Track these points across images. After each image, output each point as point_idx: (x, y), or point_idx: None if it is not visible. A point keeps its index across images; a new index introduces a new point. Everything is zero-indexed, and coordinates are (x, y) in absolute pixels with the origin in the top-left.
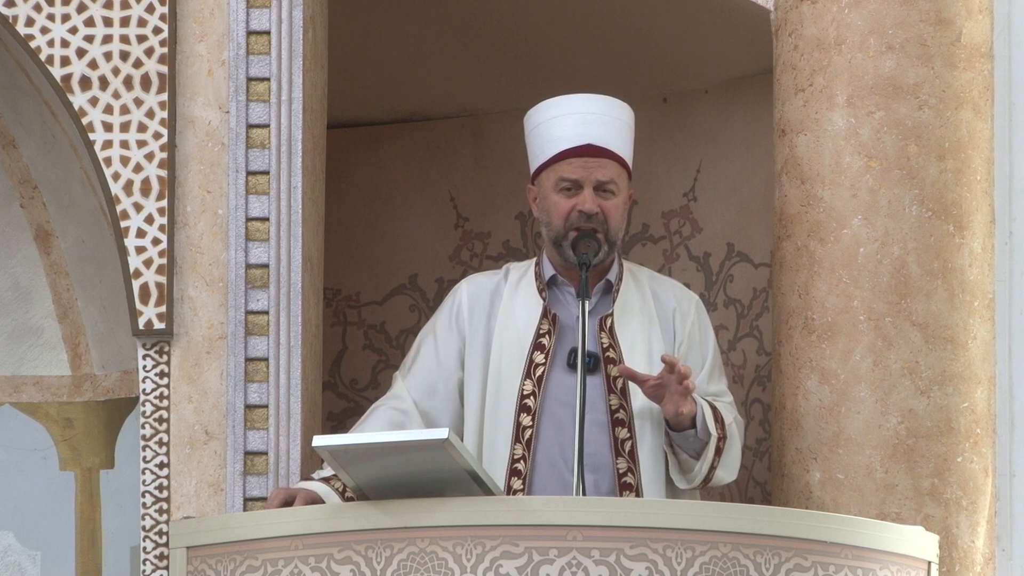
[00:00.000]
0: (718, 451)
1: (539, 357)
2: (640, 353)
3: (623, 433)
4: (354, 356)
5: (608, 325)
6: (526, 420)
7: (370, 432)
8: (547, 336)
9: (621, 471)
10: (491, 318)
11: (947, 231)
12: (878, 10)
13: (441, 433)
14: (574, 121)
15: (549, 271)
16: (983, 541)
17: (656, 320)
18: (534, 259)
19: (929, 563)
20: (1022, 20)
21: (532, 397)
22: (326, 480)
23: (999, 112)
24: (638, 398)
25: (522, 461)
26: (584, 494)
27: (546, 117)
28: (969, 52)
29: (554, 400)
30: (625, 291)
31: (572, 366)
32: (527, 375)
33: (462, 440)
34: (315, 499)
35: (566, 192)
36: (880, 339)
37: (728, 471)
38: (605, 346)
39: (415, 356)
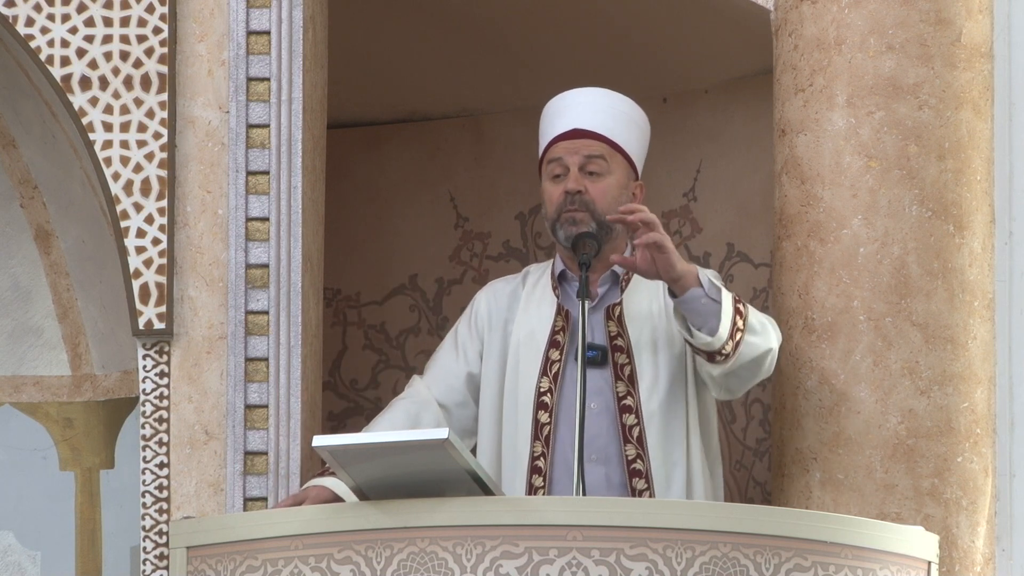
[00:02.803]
0: (739, 313)
1: (555, 354)
2: (647, 338)
3: (631, 420)
4: (354, 356)
5: (616, 314)
6: (544, 417)
7: (372, 432)
8: (561, 333)
9: (630, 458)
10: (508, 322)
11: (947, 231)
12: (878, 10)
13: (441, 433)
14: (562, 113)
15: (559, 266)
16: (983, 541)
17: (667, 307)
18: (551, 260)
19: (929, 563)
20: (1022, 20)
21: (549, 394)
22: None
23: (999, 112)
24: (644, 382)
25: (542, 458)
26: (584, 494)
27: (544, 117)
28: (969, 52)
29: (568, 395)
30: (637, 280)
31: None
32: (544, 372)
33: (476, 440)
34: (326, 497)
35: (556, 179)
36: (880, 339)
37: (759, 336)
38: (613, 335)
39: (435, 357)
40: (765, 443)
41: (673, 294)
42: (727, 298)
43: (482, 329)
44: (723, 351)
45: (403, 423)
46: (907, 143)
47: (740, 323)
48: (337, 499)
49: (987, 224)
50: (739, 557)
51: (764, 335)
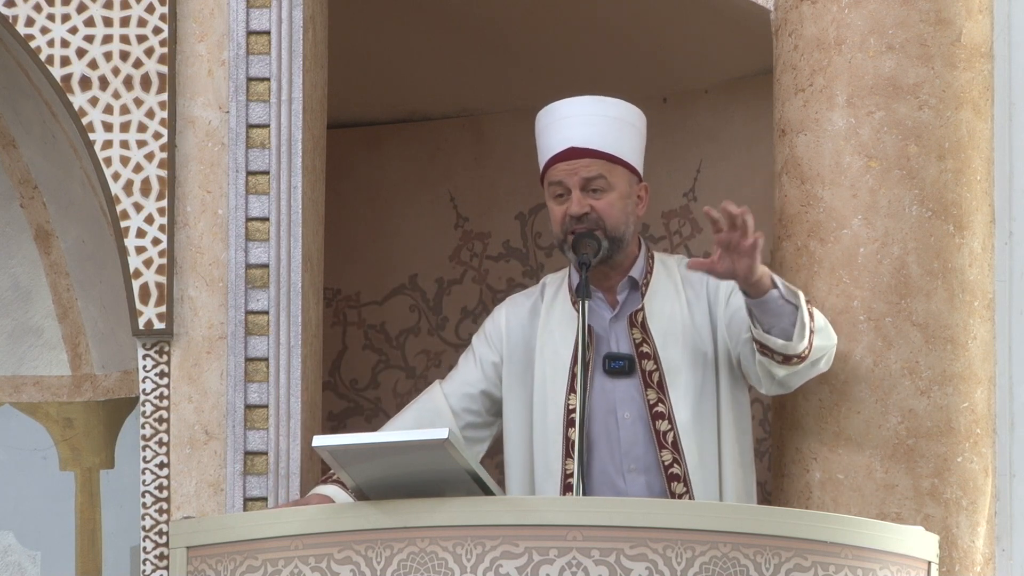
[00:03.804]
0: (810, 315)
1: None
2: (672, 341)
3: (664, 425)
4: (354, 356)
5: (639, 320)
6: (574, 434)
7: (372, 432)
8: (587, 349)
9: (666, 463)
10: (531, 338)
11: (947, 231)
12: (878, 10)
13: (441, 433)
14: (558, 127)
15: (575, 279)
16: (983, 541)
17: (688, 305)
18: (567, 269)
19: (929, 563)
20: (1022, 20)
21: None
22: (343, 484)
23: (999, 112)
24: (675, 387)
25: (574, 475)
26: (586, 493)
27: (538, 129)
28: (969, 52)
29: (597, 410)
30: (655, 283)
31: (607, 372)
32: (571, 390)
33: (484, 449)
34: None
35: (559, 199)
36: (880, 339)
37: (822, 334)
38: (638, 342)
39: (456, 368)
40: (765, 443)
41: (746, 294)
42: (803, 300)
43: (501, 344)
44: (802, 355)
45: (415, 428)
46: (907, 143)
47: (812, 324)
48: None
49: (987, 224)
50: (739, 557)
51: (827, 333)
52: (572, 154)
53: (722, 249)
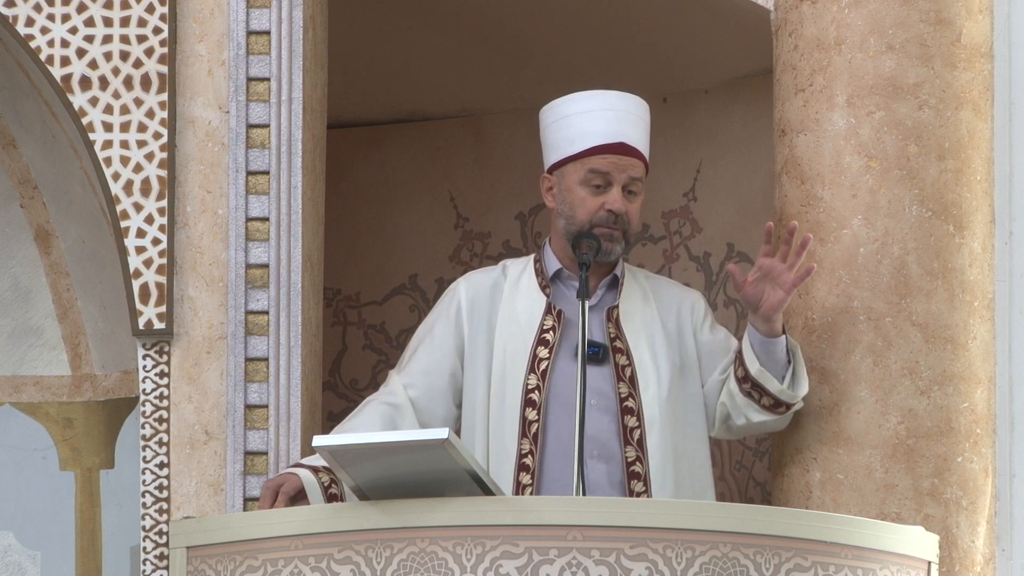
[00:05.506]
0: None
1: (543, 352)
2: (644, 343)
3: (632, 421)
4: (354, 356)
5: (615, 317)
6: (531, 414)
7: (369, 432)
8: (551, 332)
9: (629, 459)
10: (492, 316)
11: (947, 231)
12: (878, 10)
13: (441, 433)
14: (608, 118)
15: (554, 265)
16: (983, 541)
17: (657, 314)
18: (532, 255)
19: (929, 563)
20: (1022, 20)
21: (536, 391)
22: (315, 470)
23: (999, 112)
24: (646, 385)
25: (530, 456)
26: (585, 493)
27: (577, 110)
28: (969, 52)
29: (562, 392)
30: (628, 286)
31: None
32: (531, 370)
33: (460, 437)
34: (300, 488)
35: (595, 188)
36: (880, 339)
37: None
38: (612, 336)
39: (411, 354)
40: (765, 443)
41: (754, 329)
42: (800, 353)
43: (462, 323)
44: (791, 405)
45: (380, 427)
46: (907, 143)
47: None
48: (303, 494)
49: (987, 224)
50: (739, 557)
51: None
52: (622, 149)
53: (760, 274)
